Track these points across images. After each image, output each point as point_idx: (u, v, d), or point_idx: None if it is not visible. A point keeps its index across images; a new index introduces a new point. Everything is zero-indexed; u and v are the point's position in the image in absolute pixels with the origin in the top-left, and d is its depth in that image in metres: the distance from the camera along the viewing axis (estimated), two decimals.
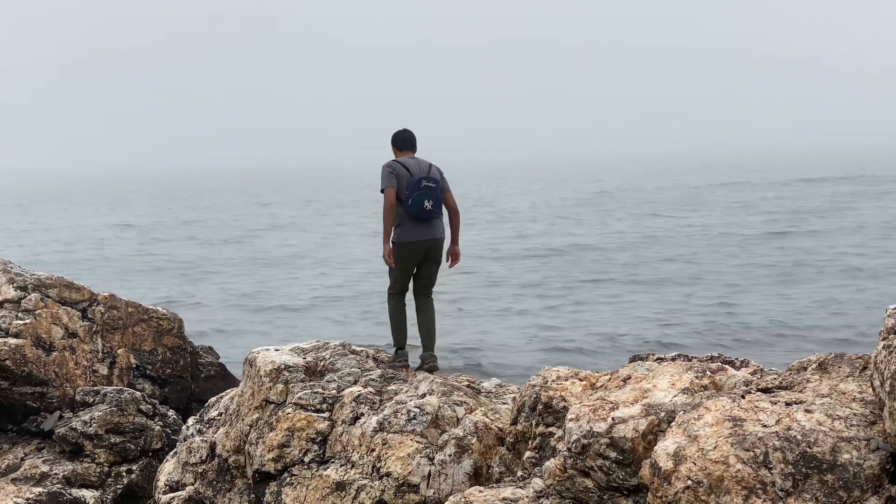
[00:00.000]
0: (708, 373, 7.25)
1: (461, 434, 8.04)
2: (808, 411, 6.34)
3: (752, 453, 6.01)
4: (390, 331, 9.52)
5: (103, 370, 11.75)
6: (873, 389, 6.36)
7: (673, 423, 6.56)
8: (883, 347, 6.24)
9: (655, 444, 6.46)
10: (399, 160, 9.21)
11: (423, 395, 8.51)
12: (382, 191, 9.05)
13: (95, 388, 11.09)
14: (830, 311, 24.71)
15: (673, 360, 7.88)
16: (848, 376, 6.83)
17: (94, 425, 10.50)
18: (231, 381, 12.51)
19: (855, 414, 6.32)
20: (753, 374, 7.51)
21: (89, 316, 11.84)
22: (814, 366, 7.10)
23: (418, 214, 8.99)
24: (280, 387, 8.86)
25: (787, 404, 6.49)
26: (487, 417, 8.26)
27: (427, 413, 8.24)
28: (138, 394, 11.01)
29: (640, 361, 7.88)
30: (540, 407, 7.62)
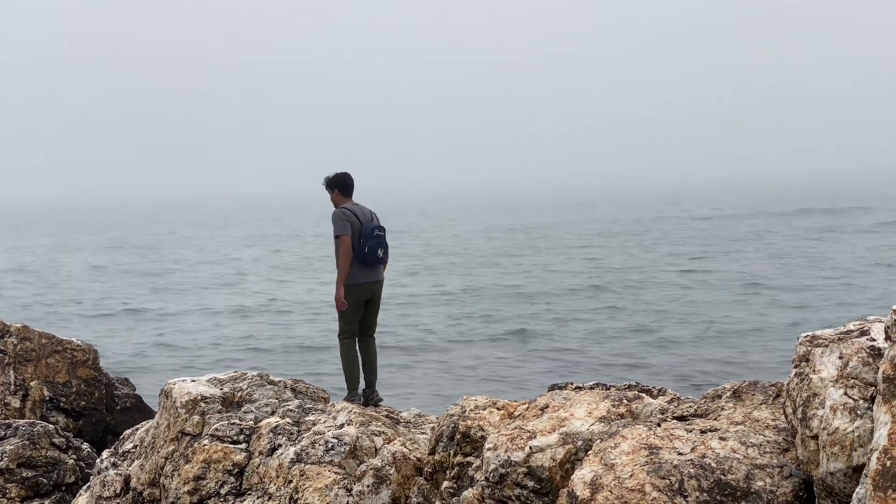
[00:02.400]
0: (625, 401, 7.28)
1: (379, 464, 7.96)
2: (722, 439, 6.39)
3: (667, 481, 6.04)
4: (344, 375, 9.68)
5: (15, 403, 11.48)
6: (786, 416, 6.44)
7: (590, 452, 6.57)
8: (795, 375, 6.32)
9: (573, 473, 6.46)
10: (348, 207, 9.59)
11: (342, 426, 8.43)
12: (338, 237, 9.44)
13: (7, 421, 10.82)
14: (749, 339, 25.11)
15: (591, 388, 7.90)
16: (762, 404, 6.90)
17: (5, 459, 10.23)
18: (148, 414, 12.29)
19: (768, 441, 6.38)
20: (670, 402, 7.55)
21: (1, 348, 11.57)
22: (728, 393, 7.17)
23: (370, 261, 9.47)
24: (196, 418, 8.72)
25: (703, 432, 6.54)
26: (406, 447, 8.19)
27: (345, 443, 8.17)
28: (51, 427, 10.75)
29: (558, 390, 7.90)
30: (458, 436, 7.58)
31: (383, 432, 8.42)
